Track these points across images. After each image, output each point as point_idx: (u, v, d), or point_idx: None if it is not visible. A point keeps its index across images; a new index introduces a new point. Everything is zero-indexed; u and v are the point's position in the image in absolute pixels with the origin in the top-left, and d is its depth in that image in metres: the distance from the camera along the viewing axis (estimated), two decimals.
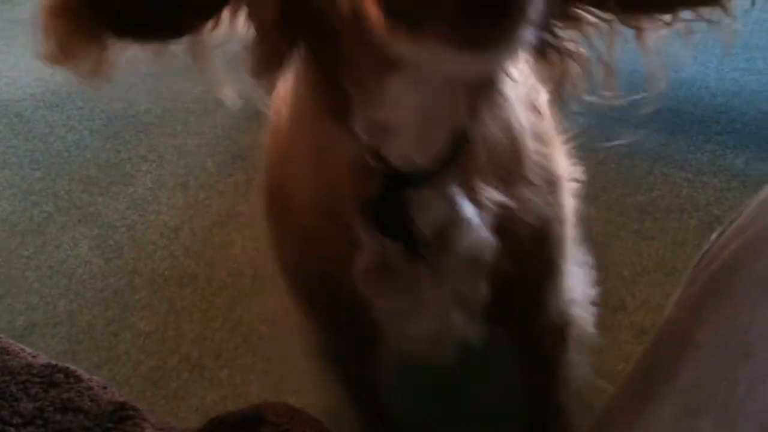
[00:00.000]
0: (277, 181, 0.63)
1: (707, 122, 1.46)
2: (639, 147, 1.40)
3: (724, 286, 0.39)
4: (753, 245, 0.39)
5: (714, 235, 0.48)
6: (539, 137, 0.59)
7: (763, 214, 0.42)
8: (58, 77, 1.79)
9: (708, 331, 0.37)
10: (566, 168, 0.67)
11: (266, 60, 0.46)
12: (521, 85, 0.54)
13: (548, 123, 0.62)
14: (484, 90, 0.50)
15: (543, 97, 0.60)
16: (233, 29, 0.47)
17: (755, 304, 0.36)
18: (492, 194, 0.55)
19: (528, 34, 0.34)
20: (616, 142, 1.39)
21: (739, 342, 0.35)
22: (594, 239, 0.88)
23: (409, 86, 0.45)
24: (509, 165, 0.57)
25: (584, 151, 1.46)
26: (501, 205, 0.56)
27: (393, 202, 0.52)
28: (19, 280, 1.28)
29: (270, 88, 0.59)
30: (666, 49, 0.52)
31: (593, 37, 0.50)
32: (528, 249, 0.61)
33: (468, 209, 0.54)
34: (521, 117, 0.56)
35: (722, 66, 1.59)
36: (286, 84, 0.56)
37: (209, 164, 1.50)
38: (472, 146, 0.52)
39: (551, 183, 0.61)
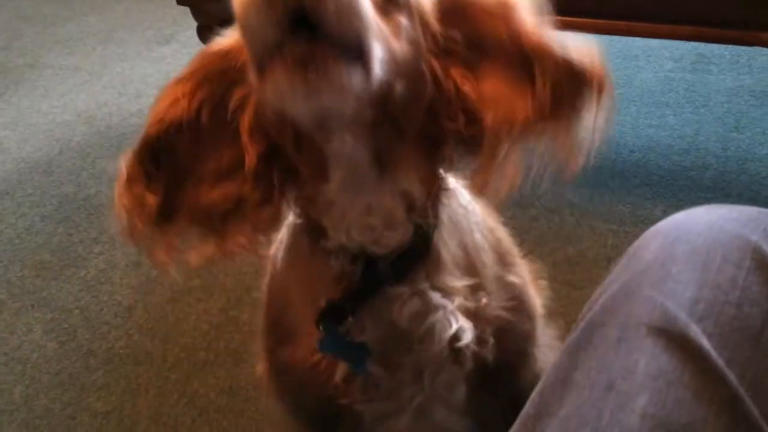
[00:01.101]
0: (275, 315, 0.74)
1: (627, 176, 1.58)
2: (566, 202, 1.50)
3: (594, 335, 0.47)
4: (615, 299, 0.47)
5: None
6: (501, 257, 0.71)
7: (628, 268, 0.50)
8: (8, 165, 1.83)
9: (583, 372, 0.45)
10: (524, 273, 0.78)
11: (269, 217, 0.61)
12: (471, 209, 0.67)
13: (502, 237, 0.74)
14: (426, 195, 0.61)
15: (493, 219, 0.73)
16: None
17: (616, 349, 0.44)
18: (459, 288, 0.66)
19: (358, 70, 0.47)
20: (546, 199, 1.50)
21: (604, 380, 0.43)
22: None
23: (345, 189, 0.58)
24: (470, 273, 0.68)
25: (518, 208, 1.56)
26: (467, 306, 0.67)
27: (371, 295, 0.63)
28: None
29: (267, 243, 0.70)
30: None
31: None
32: (499, 341, 0.71)
33: (439, 299, 0.65)
34: (476, 234, 0.68)
35: (637, 124, 1.73)
36: (278, 237, 0.70)
37: None
38: (434, 250, 0.64)
39: (510, 289, 0.72)
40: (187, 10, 1.63)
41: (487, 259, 0.70)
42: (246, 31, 0.47)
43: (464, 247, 0.67)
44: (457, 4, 0.58)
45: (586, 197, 1.52)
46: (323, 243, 0.62)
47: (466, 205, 0.68)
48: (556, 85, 0.55)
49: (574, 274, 1.35)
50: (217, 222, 0.60)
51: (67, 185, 1.73)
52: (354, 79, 0.48)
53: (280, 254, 0.71)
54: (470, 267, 0.68)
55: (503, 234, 0.75)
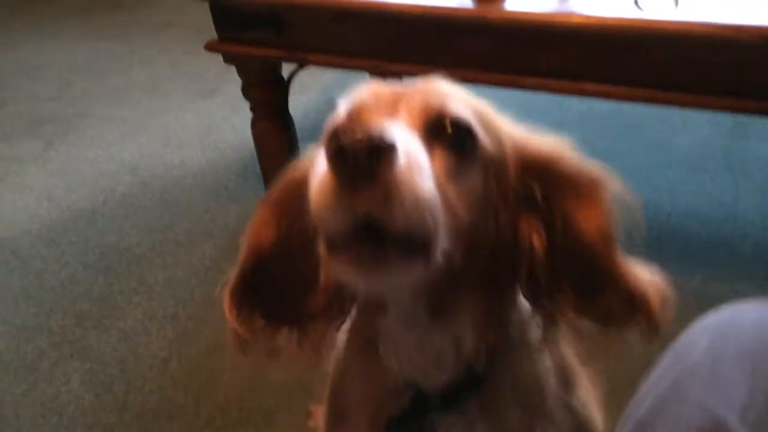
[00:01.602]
0: (336, 397, 0.77)
1: (664, 243, 1.57)
2: None
3: None
4: (665, 399, 0.47)
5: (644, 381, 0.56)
6: (564, 380, 0.71)
7: (676, 365, 0.50)
8: (54, 213, 1.88)
9: None
10: (586, 393, 0.77)
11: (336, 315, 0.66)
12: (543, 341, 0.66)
13: (568, 357, 0.74)
14: (484, 331, 0.62)
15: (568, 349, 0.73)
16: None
17: None
18: (513, 421, 0.66)
19: (417, 267, 0.50)
20: None
21: None
22: None
23: (399, 325, 0.61)
24: (532, 401, 0.68)
25: None
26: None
27: (417, 422, 0.64)
28: (11, 419, 1.31)
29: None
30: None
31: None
32: None
33: None
34: (539, 365, 0.68)
35: (674, 189, 1.73)
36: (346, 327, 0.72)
37: (197, 295, 1.57)
38: (491, 379, 0.64)
39: (571, 413, 0.71)
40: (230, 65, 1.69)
41: (549, 383, 0.69)
42: (318, 219, 0.51)
43: (524, 378, 0.68)
44: (543, 162, 0.61)
45: None
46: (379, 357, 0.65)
47: (530, 339, 0.67)
48: (617, 307, 0.58)
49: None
50: (306, 323, 0.66)
51: (110, 234, 1.78)
52: (415, 270, 0.51)
53: (343, 345, 0.74)
54: (528, 396, 0.68)
55: (569, 352, 0.75)
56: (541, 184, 0.60)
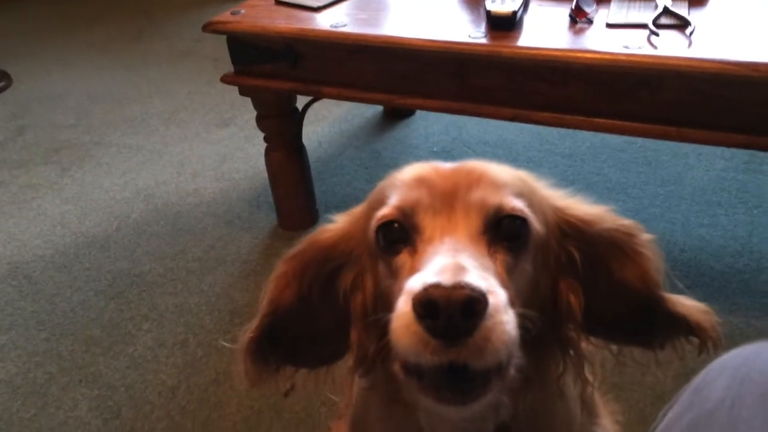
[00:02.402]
0: None
1: (677, 276, 1.55)
2: None
3: None
4: None
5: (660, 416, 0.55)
6: (588, 409, 0.74)
7: (693, 405, 0.49)
8: (67, 239, 1.90)
9: None
10: (607, 425, 0.82)
11: (361, 369, 0.67)
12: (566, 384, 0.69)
13: (596, 397, 0.78)
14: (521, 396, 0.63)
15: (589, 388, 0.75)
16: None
17: None
18: None
19: (496, 391, 0.53)
20: None
21: None
22: None
23: None
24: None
25: None
26: None
27: None
28: None
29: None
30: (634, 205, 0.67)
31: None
32: None
33: None
34: (570, 394, 0.70)
35: (688, 222, 1.72)
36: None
37: (207, 322, 1.57)
38: (522, 418, 0.65)
39: None
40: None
41: (576, 414, 0.71)
42: (400, 353, 0.52)
43: (553, 413, 0.70)
44: (582, 225, 0.63)
45: None
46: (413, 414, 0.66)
47: (559, 378, 0.68)
48: (673, 335, 0.66)
49: (623, 377, 1.32)
50: (326, 368, 0.70)
51: (122, 261, 1.79)
52: (495, 392, 0.54)
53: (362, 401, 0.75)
54: (557, 428, 0.71)
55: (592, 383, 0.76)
56: (581, 246, 0.63)
